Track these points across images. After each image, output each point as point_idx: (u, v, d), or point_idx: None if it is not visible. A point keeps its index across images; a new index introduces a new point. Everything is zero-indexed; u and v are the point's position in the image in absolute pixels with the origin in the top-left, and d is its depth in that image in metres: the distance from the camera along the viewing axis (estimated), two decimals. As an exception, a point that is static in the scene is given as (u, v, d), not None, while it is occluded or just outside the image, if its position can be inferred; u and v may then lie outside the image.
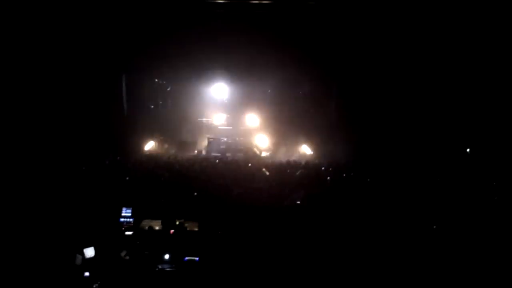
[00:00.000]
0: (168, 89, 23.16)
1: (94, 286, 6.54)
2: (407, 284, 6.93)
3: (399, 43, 16.85)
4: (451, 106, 17.00)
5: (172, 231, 8.49)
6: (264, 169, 14.47)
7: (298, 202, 10.58)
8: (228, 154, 20.36)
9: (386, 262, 7.31)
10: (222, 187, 11.64)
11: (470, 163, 16.18)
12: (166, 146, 21.87)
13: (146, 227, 8.66)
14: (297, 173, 14.11)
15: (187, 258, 7.40)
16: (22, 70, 15.32)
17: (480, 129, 16.56)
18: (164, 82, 22.86)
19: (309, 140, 21.20)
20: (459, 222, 9.12)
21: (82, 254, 7.18)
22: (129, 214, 9.26)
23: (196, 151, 21.25)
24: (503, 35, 14.49)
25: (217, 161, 17.57)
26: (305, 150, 21.17)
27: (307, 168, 15.33)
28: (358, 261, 7.34)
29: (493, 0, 14.13)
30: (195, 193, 11.05)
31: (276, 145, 21.38)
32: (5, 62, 14.71)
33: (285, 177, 13.59)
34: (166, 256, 7.38)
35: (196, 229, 8.82)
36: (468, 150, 17.45)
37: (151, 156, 19.23)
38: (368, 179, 13.60)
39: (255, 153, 20.84)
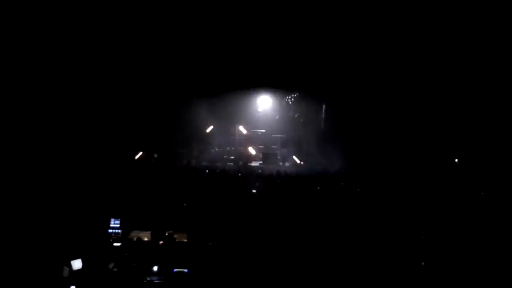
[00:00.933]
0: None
1: None
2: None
3: (387, 55, 17.00)
4: (439, 116, 17.15)
5: (161, 242, 8.43)
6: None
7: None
8: (218, 164, 20.31)
9: (376, 271, 7.32)
10: (212, 197, 11.60)
11: (458, 173, 16.29)
12: (155, 156, 21.76)
13: (135, 238, 8.59)
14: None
15: (176, 269, 7.34)
16: (18, 74, 15.24)
17: (468, 139, 16.71)
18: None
19: (299, 151, 21.25)
20: (446, 232, 9.16)
21: (70, 266, 7.08)
22: (118, 225, 9.18)
23: (185, 161, 21.16)
24: (499, 40, 14.66)
25: (207, 171, 17.51)
26: (295, 160, 21.20)
27: (296, 179, 15.35)
28: (348, 272, 7.33)
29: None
30: (185, 204, 11.01)
31: (266, 155, 21.37)
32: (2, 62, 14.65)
33: (275, 188, 13.59)
34: (155, 268, 7.32)
35: (185, 240, 8.76)
36: (456, 160, 17.58)
37: (140, 166, 19.11)
38: (358, 189, 13.65)
39: (245, 163, 20.80)
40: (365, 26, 16.19)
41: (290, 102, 22.69)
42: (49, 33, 15.39)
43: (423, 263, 7.68)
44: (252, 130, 22.74)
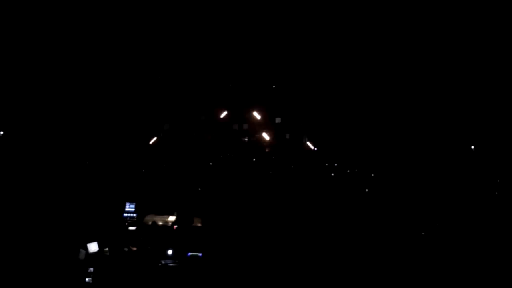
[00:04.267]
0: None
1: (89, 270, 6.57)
2: (411, 281, 6.92)
3: (403, 39, 16.74)
4: (455, 103, 16.90)
5: (175, 226, 8.50)
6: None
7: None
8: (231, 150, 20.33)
9: (388, 258, 7.30)
10: (226, 182, 11.64)
11: (474, 161, 16.09)
12: (170, 141, 21.84)
13: (150, 222, 8.68)
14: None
15: (190, 253, 7.40)
16: (24, 68, 15.35)
17: (484, 126, 16.46)
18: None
19: (313, 136, 21.13)
20: (462, 218, 9.09)
21: (86, 249, 7.19)
22: (133, 209, 9.26)
23: (200, 147, 21.21)
24: (503, 34, 14.36)
25: (221, 156, 17.54)
26: (309, 146, 21.11)
27: (310, 165, 15.30)
28: (361, 256, 7.33)
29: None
30: (199, 189, 11.07)
31: (280, 141, 21.30)
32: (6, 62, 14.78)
33: (289, 174, 13.58)
34: (169, 252, 7.39)
35: (200, 224, 8.82)
36: (472, 147, 17.35)
37: (154, 151, 19.21)
38: (372, 175, 13.58)
39: (258, 149, 20.78)
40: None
41: None
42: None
43: (438, 248, 7.64)
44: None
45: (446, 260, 7.23)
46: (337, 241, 7.81)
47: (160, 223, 8.75)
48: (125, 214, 9.22)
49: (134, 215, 9.23)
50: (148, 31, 17.91)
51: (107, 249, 7.39)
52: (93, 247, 7.30)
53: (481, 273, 6.86)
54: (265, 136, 21.89)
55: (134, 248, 7.52)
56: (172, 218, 8.95)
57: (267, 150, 20.89)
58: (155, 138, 21.32)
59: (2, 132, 14.53)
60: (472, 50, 15.62)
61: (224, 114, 22.83)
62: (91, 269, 6.68)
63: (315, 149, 20.75)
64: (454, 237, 8.16)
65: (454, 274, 6.91)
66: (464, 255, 7.36)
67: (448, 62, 16.56)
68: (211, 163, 15.35)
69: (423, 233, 8.34)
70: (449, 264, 7.12)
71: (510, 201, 10.29)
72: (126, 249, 7.55)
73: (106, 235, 7.73)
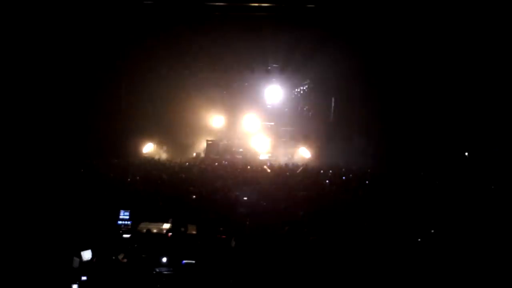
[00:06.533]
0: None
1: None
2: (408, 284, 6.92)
3: (395, 48, 16.84)
4: (449, 110, 17.01)
5: (170, 234, 8.48)
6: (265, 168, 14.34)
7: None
8: (227, 157, 20.36)
9: (385, 262, 7.29)
10: (221, 190, 11.63)
11: (468, 167, 16.19)
12: (165, 148, 21.87)
13: (144, 230, 8.64)
14: (298, 170, 13.99)
15: (184, 261, 7.37)
16: (21, 70, 15.32)
17: (478, 133, 16.58)
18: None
19: (308, 143, 21.23)
20: (457, 224, 9.11)
21: (80, 256, 7.14)
22: (127, 217, 9.22)
23: (194, 154, 21.24)
24: (503, 35, 14.47)
25: (216, 163, 17.55)
26: (304, 153, 21.18)
27: (305, 171, 15.33)
28: (358, 261, 7.31)
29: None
30: (193, 196, 11.04)
31: (275, 148, 21.37)
32: (5, 62, 14.74)
33: (285, 180, 13.59)
34: (164, 259, 7.35)
35: (194, 232, 8.79)
36: (466, 154, 17.46)
37: (149, 158, 19.22)
38: (367, 181, 13.62)
39: (254, 155, 20.83)
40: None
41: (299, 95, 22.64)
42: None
43: (433, 255, 7.64)
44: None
45: (443, 265, 7.24)
46: (333, 249, 7.79)
47: (155, 230, 8.71)
48: (120, 222, 9.17)
49: (129, 222, 9.18)
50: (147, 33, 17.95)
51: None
52: (87, 255, 7.26)
53: (478, 276, 6.89)
54: (260, 142, 21.96)
55: (124, 258, 7.46)
56: (166, 226, 8.92)
57: (261, 156, 20.93)
58: (150, 146, 21.33)
59: None
60: (465, 54, 15.74)
61: (219, 120, 22.90)
62: (85, 278, 6.64)
63: (309, 155, 20.81)
64: (450, 242, 8.17)
65: (451, 278, 6.92)
66: (461, 259, 7.37)
67: (442, 68, 16.70)
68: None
69: (419, 239, 8.34)
70: (446, 268, 7.14)
71: (506, 205, 10.33)
72: (120, 257, 7.51)
73: (100, 243, 7.68)
